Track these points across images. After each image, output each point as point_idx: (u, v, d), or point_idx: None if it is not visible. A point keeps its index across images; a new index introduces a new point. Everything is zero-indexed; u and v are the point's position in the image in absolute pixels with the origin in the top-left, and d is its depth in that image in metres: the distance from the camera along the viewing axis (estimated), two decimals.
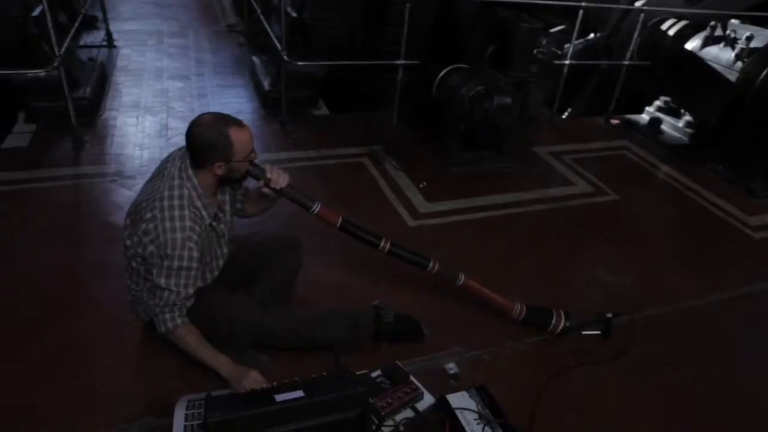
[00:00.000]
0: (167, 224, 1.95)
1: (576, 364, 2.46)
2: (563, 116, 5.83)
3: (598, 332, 2.64)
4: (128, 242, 2.08)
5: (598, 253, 3.36)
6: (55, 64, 3.70)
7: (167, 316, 2.03)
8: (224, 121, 1.98)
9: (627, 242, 3.51)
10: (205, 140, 1.96)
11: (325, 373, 1.83)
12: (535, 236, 3.48)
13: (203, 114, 2.03)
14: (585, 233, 3.59)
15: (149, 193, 2.03)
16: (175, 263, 1.97)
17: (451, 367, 2.35)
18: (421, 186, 3.76)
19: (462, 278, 2.58)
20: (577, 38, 5.16)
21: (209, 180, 2.06)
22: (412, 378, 2.21)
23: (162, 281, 2.00)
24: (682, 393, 2.42)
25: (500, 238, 3.39)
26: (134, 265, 2.12)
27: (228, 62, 5.88)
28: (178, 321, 2.04)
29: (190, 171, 2.02)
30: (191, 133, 1.98)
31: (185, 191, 1.99)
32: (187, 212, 1.97)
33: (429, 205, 3.59)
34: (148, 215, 1.97)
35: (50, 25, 3.61)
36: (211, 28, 7.00)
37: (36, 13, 4.05)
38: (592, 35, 6.09)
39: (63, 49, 3.75)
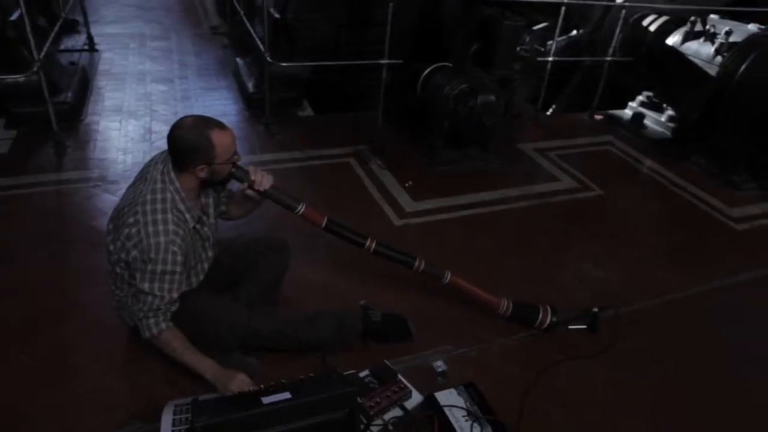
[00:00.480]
0: (150, 228, 1.93)
1: (563, 359, 2.48)
2: (547, 113, 5.87)
3: (585, 327, 2.66)
4: (111, 247, 2.06)
5: (584, 249, 3.39)
6: (35, 68, 3.66)
7: (151, 321, 2.02)
8: (206, 123, 1.97)
9: (612, 237, 3.54)
10: (187, 143, 1.94)
11: (312, 374, 1.82)
12: (521, 233, 3.49)
13: (185, 117, 2.01)
14: (570, 229, 3.62)
15: (131, 198, 2.01)
16: (159, 267, 1.95)
17: (439, 365, 2.35)
18: (406, 185, 3.76)
19: (448, 276, 2.58)
20: (560, 35, 5.19)
21: (192, 183, 2.04)
22: (400, 377, 2.21)
23: (146, 286, 1.98)
24: (669, 387, 2.44)
25: (486, 235, 3.40)
26: (118, 270, 2.10)
27: (211, 64, 5.85)
28: (163, 326, 2.02)
29: (172, 174, 2.01)
30: (173, 136, 1.96)
31: (168, 195, 1.98)
32: (170, 216, 1.96)
33: (415, 204, 3.60)
34: (131, 219, 1.95)
35: (29, 29, 3.57)
36: (194, 30, 6.96)
37: (14, 16, 4.00)
38: (574, 32, 6.14)
39: (43, 54, 3.70)
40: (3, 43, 3.94)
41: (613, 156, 4.79)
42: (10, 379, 2.16)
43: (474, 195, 3.80)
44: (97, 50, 5.83)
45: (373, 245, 2.47)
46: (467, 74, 4.04)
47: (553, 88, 5.61)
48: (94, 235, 3.06)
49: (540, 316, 2.59)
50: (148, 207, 1.95)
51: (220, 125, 1.99)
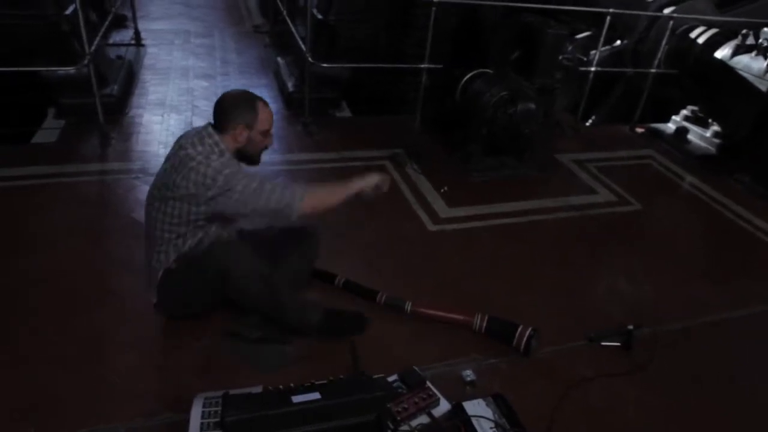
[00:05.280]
0: (214, 165, 2.06)
1: (595, 376, 2.42)
2: (587, 123, 5.77)
3: (619, 344, 2.60)
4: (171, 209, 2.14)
5: (620, 264, 3.32)
6: (86, 61, 3.77)
7: (288, 201, 2.12)
8: (253, 94, 2.23)
9: (650, 253, 3.46)
10: (233, 101, 2.16)
11: (342, 376, 1.83)
12: (555, 244, 3.44)
13: None
14: (607, 243, 3.55)
15: (176, 166, 2.10)
16: (243, 185, 2.08)
17: (468, 374, 2.33)
18: (442, 191, 3.74)
19: (409, 306, 2.60)
20: (604, 45, 5.10)
21: (230, 146, 2.17)
22: (428, 383, 2.19)
23: (256, 203, 2.10)
24: (704, 411, 2.36)
25: (520, 245, 3.36)
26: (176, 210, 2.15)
27: (253, 62, 5.93)
28: (297, 196, 2.13)
29: (211, 129, 2.16)
30: (222, 96, 2.20)
31: (209, 148, 2.12)
32: (217, 155, 2.11)
33: (450, 211, 3.58)
34: (192, 176, 2.05)
35: (82, 23, 3.69)
36: (237, 28, 7.08)
37: (69, 11, 4.13)
38: (618, 42, 6.03)
39: (93, 47, 3.82)
40: (57, 37, 4.07)
41: (654, 170, 4.68)
42: (44, 363, 2.22)
43: (510, 204, 3.76)
44: (143, 45, 5.98)
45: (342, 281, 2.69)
46: (507, 81, 4.00)
47: (595, 98, 5.52)
48: (134, 226, 3.13)
49: (517, 334, 2.46)
50: (200, 157, 2.07)
51: (265, 101, 2.23)
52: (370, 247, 3.03)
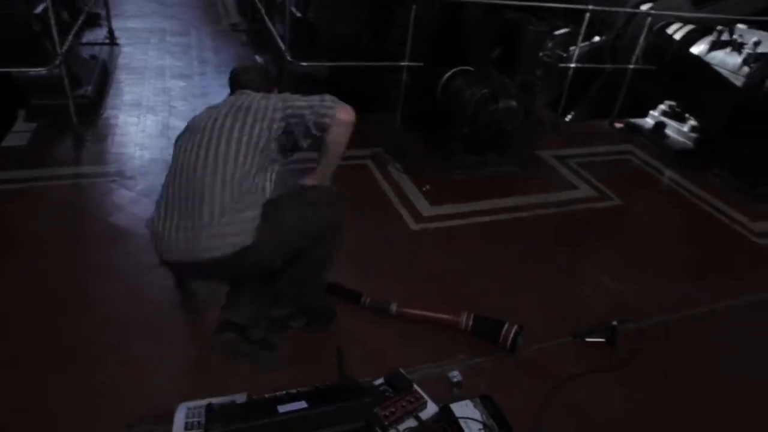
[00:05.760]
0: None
1: (581, 373, 2.43)
2: (567, 119, 5.79)
3: (603, 340, 2.61)
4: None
5: (603, 259, 3.34)
6: (57, 62, 3.67)
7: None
8: None
9: (631, 248, 3.48)
10: (260, 69, 2.49)
11: (328, 383, 1.80)
12: (538, 241, 3.44)
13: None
14: (589, 239, 3.57)
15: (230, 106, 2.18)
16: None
17: (455, 375, 2.32)
18: (424, 189, 3.73)
19: (394, 307, 2.59)
20: (582, 41, 5.12)
21: None
22: (415, 386, 2.18)
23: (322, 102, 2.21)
24: (688, 404, 2.39)
25: (504, 242, 3.36)
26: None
27: (230, 61, 5.81)
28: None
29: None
30: (246, 68, 2.50)
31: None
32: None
33: (432, 209, 3.56)
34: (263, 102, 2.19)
35: (53, 22, 3.58)
36: (214, 27, 6.96)
37: (39, 10, 4.01)
38: (597, 38, 6.06)
39: (65, 47, 3.71)
40: (28, 36, 3.94)
41: (634, 165, 4.72)
42: (24, 372, 2.16)
43: (492, 201, 3.75)
44: (117, 44, 5.84)
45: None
46: (488, 79, 3.99)
47: (574, 94, 5.54)
48: (111, 230, 3.07)
49: (503, 331, 2.46)
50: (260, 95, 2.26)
51: None
52: (353, 248, 3.00)
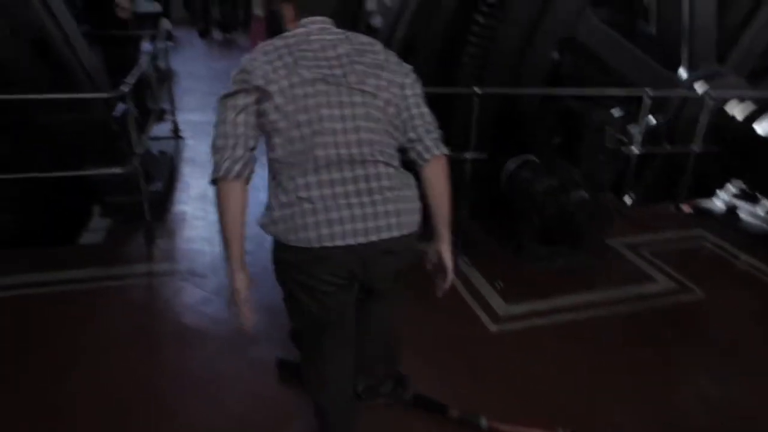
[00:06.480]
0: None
1: None
2: (626, 202, 5.66)
3: None
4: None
5: (697, 363, 3.11)
6: (134, 161, 3.81)
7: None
8: None
9: (724, 348, 3.24)
10: None
11: None
12: (624, 343, 3.24)
13: None
14: (677, 338, 3.34)
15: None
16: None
17: None
18: (496, 285, 3.61)
19: (485, 422, 2.45)
20: (635, 122, 5.07)
21: None
22: None
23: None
24: None
25: (588, 345, 3.16)
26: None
27: None
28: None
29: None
30: None
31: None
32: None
33: (508, 307, 3.42)
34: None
35: (133, 123, 3.74)
36: None
37: (117, 112, 4.22)
38: (651, 118, 6.00)
39: (142, 147, 3.86)
40: (106, 137, 4.13)
41: (709, 252, 4.51)
42: None
43: (569, 297, 3.59)
44: (182, 138, 6.09)
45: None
46: (556, 169, 3.94)
47: (630, 176, 5.44)
48: (184, 332, 3.05)
49: None
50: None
51: None
52: (429, 350, 2.89)
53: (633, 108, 5.18)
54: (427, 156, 1.86)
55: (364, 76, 1.76)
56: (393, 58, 1.88)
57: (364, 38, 1.88)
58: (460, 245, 3.96)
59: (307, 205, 1.68)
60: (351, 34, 1.85)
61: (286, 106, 1.68)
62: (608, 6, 6.52)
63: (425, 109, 1.90)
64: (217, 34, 13.28)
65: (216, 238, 4.05)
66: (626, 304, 3.59)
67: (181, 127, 6.26)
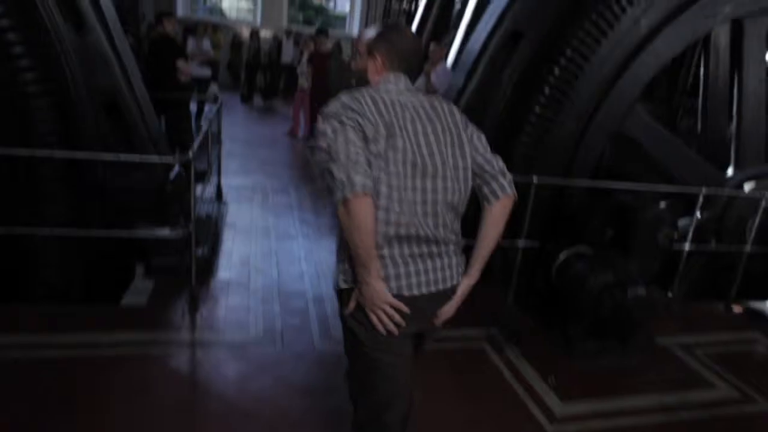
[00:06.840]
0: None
1: None
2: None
3: None
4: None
5: None
6: (187, 224, 3.80)
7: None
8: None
9: None
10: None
11: None
12: None
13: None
14: None
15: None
16: None
17: None
18: (549, 382, 3.44)
19: None
20: (681, 216, 4.99)
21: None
22: None
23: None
24: None
25: None
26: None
27: (332, 224, 5.91)
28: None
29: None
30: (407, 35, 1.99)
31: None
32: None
33: (564, 407, 3.24)
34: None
35: (192, 187, 3.75)
36: (311, 186, 7.26)
37: (173, 175, 4.28)
38: (698, 214, 5.93)
39: (196, 211, 3.87)
40: (160, 200, 4.17)
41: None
42: None
43: (628, 398, 3.41)
44: (224, 202, 6.14)
45: None
46: (611, 264, 3.85)
47: (669, 270, 5.31)
48: (227, 410, 2.92)
49: None
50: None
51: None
52: None
53: (676, 203, 5.15)
54: (500, 194, 1.92)
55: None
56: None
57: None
58: (508, 336, 3.85)
59: None
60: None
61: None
62: (650, 101, 6.67)
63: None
64: (258, 100, 13.78)
65: (259, 308, 3.98)
66: (689, 412, 3.39)
67: (224, 190, 6.32)
